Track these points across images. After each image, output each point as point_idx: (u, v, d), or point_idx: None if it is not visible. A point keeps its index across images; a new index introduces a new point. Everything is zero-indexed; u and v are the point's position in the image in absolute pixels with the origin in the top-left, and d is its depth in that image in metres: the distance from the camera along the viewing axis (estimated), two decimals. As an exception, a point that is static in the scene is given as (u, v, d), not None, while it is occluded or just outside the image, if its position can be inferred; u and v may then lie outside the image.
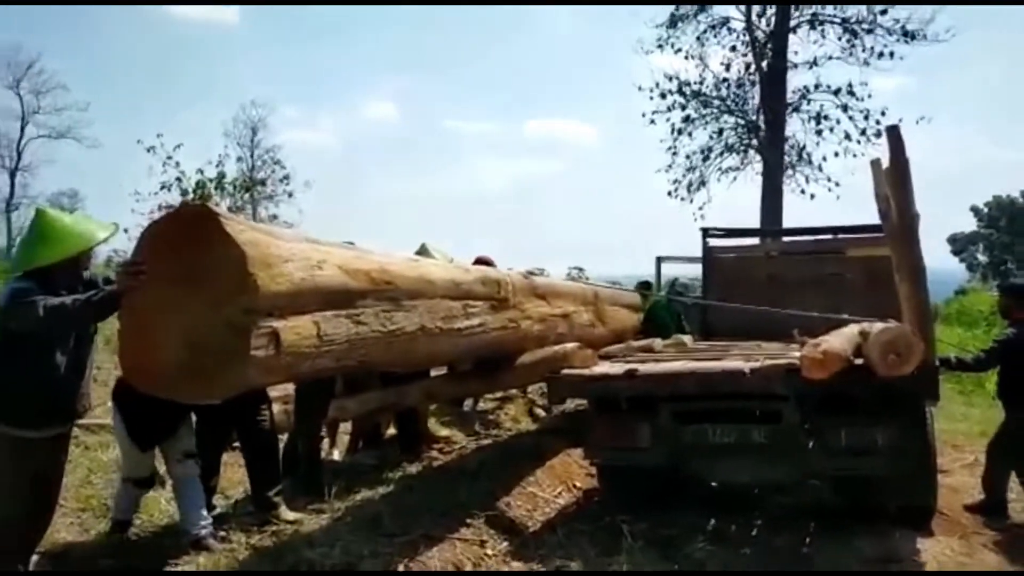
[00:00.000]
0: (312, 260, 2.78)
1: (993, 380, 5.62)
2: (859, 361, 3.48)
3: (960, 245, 44.93)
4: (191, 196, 24.27)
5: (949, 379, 10.71)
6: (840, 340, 3.53)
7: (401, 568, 3.43)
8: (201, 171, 24.19)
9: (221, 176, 27.46)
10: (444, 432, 6.20)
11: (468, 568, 3.66)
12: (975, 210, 44.40)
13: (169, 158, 20.77)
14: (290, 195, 28.37)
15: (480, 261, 5.41)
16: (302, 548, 3.45)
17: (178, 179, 21.51)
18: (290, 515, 3.96)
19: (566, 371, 4.36)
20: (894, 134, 3.53)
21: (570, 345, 4.61)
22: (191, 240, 2.49)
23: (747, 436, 4.01)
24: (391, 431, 5.93)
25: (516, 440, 6.31)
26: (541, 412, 7.43)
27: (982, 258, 44.09)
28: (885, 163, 3.89)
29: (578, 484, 5.31)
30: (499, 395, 7.46)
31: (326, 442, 5.28)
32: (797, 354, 3.66)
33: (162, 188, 21.08)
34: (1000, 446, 4.80)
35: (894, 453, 3.80)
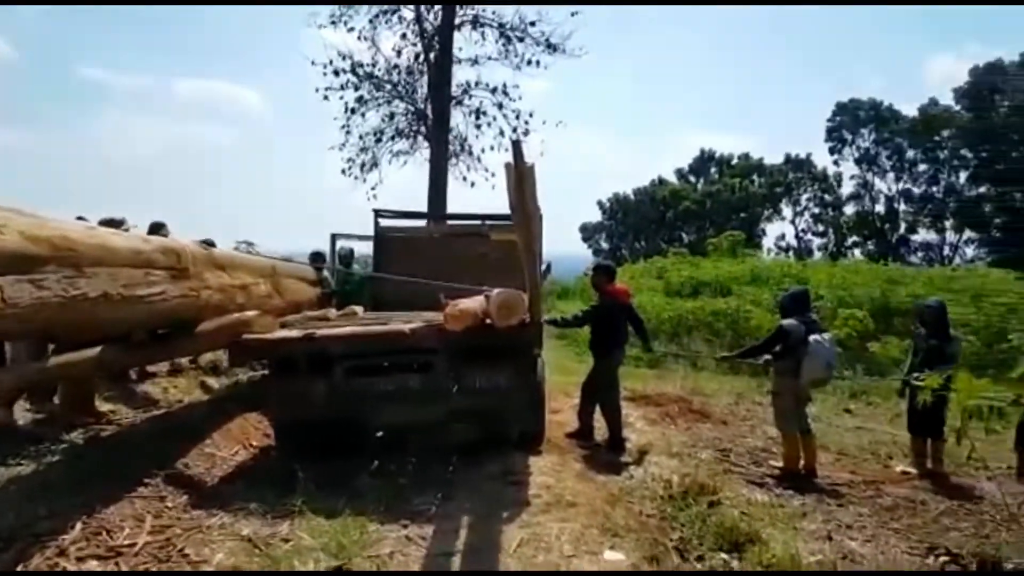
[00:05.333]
0: (-9, 225, 2.84)
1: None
2: (488, 321, 4.54)
3: (588, 233, 53.03)
4: None
5: (568, 344, 13.20)
6: (472, 302, 4.57)
7: (79, 525, 3.55)
8: None
9: None
10: (108, 407, 6.03)
11: (149, 520, 3.88)
12: (600, 204, 52.81)
13: None
14: None
15: (154, 229, 5.43)
16: (-32, 517, 3.38)
17: None
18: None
19: (248, 336, 4.74)
20: (516, 147, 4.51)
21: (251, 312, 4.96)
22: None
23: (406, 385, 4.89)
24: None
25: (189, 409, 6.40)
26: (213, 383, 7.53)
27: (605, 245, 52.54)
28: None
29: (255, 443, 5.70)
30: (167, 370, 7.37)
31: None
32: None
33: None
34: (588, 386, 6.39)
35: (513, 391, 4.98)
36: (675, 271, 18.53)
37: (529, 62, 19.30)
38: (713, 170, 51.19)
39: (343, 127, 19.26)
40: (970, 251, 40.70)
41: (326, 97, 18.85)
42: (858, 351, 11.61)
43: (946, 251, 41.84)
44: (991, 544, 4.67)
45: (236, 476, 4.92)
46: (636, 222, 49.95)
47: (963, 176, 41.33)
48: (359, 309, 6.72)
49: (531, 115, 19.02)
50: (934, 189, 42.55)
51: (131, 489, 4.17)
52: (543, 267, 7.82)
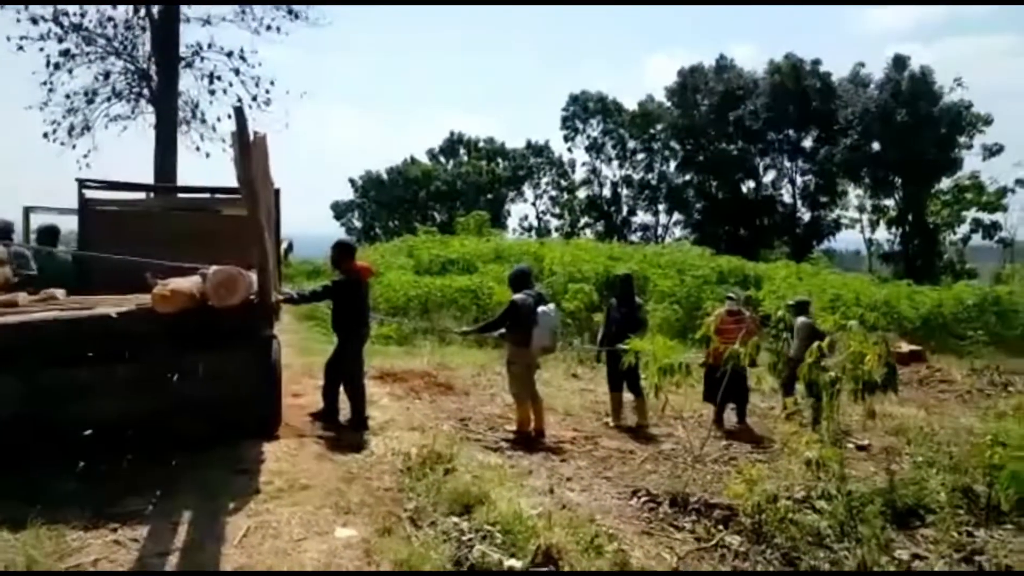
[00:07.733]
0: None
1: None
2: (212, 302, 4.23)
3: (341, 211, 51.68)
4: None
5: (316, 324, 12.82)
6: (186, 282, 4.22)
7: None
8: None
9: None
10: None
11: None
12: (352, 182, 51.71)
13: None
14: None
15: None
16: None
17: None
18: None
19: (-103, 328, 3.92)
20: (239, 114, 4.21)
21: (-98, 299, 4.10)
22: None
23: (114, 376, 4.37)
24: None
25: None
26: None
27: (358, 223, 51.59)
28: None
29: (-83, 456, 4.74)
30: None
31: None
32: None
33: None
34: (332, 366, 6.26)
35: (243, 376, 4.70)
36: (425, 249, 18.83)
37: (268, 27, 18.22)
38: (462, 152, 52.68)
39: (45, 84, 16.67)
40: (678, 231, 46.82)
41: (21, 47, 16.15)
42: (585, 321, 12.84)
43: (660, 231, 47.67)
44: (681, 482, 5.48)
45: None
46: (389, 201, 49.79)
47: (672, 165, 47.26)
48: (60, 293, 5.85)
49: (272, 83, 18.01)
50: (650, 176, 48.06)
51: None
52: (285, 245, 7.47)
